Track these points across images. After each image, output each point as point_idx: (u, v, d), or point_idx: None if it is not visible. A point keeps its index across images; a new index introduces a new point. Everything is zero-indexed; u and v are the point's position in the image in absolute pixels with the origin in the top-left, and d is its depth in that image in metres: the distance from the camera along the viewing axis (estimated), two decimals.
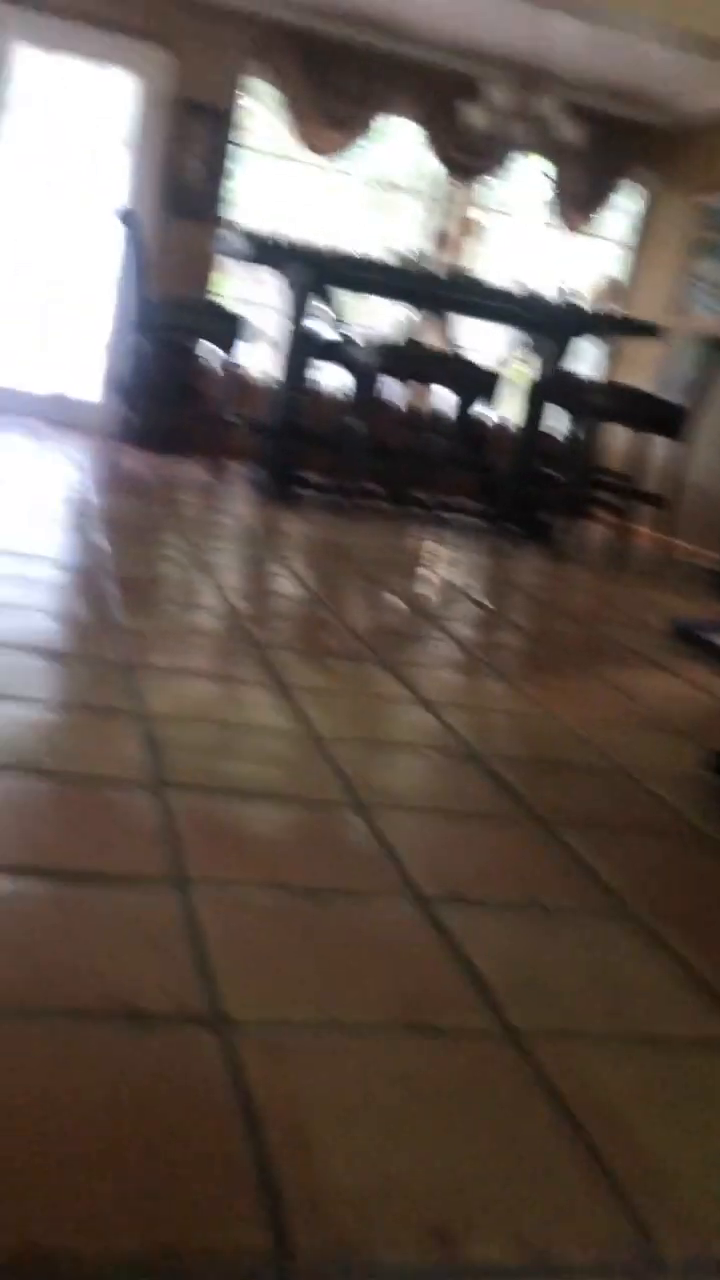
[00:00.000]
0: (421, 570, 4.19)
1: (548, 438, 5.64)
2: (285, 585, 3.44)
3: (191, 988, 1.11)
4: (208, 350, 6.49)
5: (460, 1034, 1.13)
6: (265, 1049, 1.04)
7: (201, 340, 5.84)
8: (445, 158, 6.76)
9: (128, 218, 5.10)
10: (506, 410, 6.02)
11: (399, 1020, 1.14)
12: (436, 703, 2.31)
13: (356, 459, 5.05)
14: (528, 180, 7.00)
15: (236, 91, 6.44)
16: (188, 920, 1.24)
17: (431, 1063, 1.08)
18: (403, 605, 3.43)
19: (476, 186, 7.00)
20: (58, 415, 6.66)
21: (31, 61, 6.27)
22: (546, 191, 6.98)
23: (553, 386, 5.46)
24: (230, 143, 6.51)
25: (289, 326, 5.30)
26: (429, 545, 4.73)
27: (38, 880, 1.28)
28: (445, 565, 4.40)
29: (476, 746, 2.07)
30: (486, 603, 3.81)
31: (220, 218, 6.59)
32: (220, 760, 1.80)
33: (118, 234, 5.48)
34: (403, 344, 5.36)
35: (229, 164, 6.54)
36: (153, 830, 1.46)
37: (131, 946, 1.17)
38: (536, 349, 5.62)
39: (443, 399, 5.64)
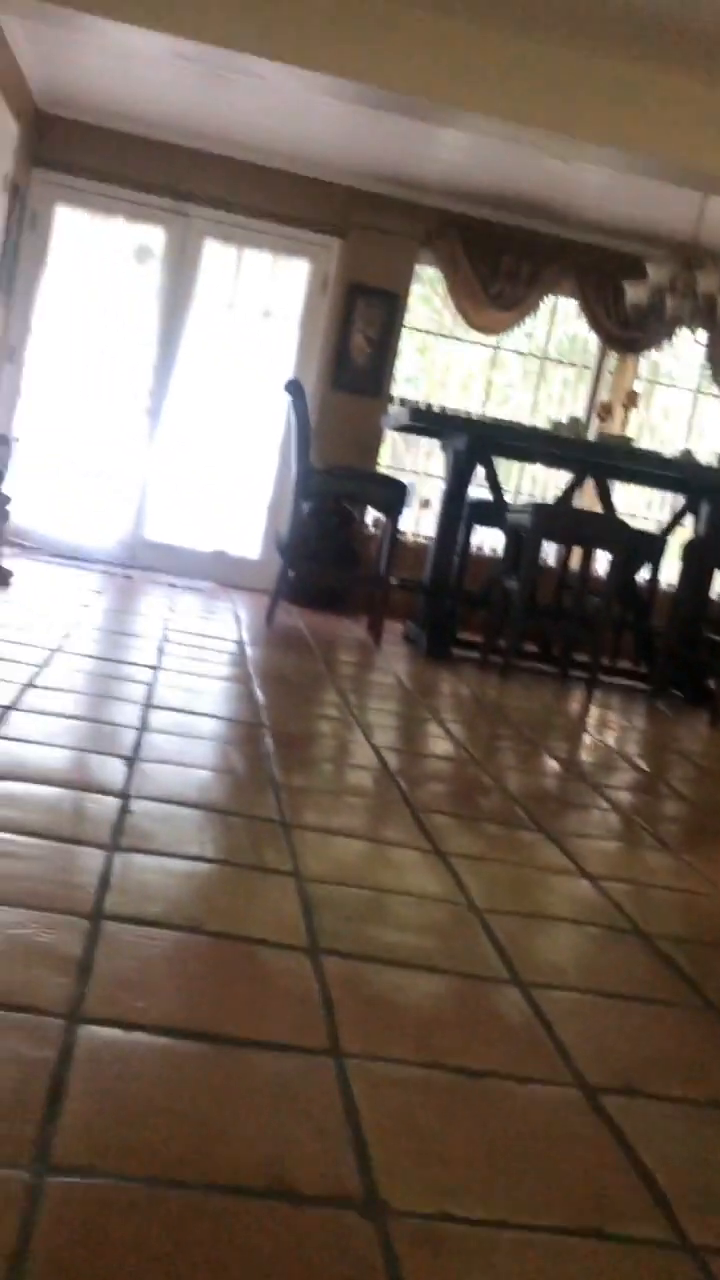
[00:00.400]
0: (580, 733, 4.12)
1: (713, 603, 5.57)
2: (441, 745, 3.42)
3: (347, 1168, 1.07)
4: (371, 514, 6.70)
5: (633, 1244, 1.04)
6: (423, 1242, 0.98)
7: (365, 505, 6.03)
8: (606, 334, 6.95)
9: (292, 388, 5.38)
10: (668, 574, 5.98)
11: (567, 1223, 1.06)
12: (597, 874, 2.23)
13: (514, 620, 5.07)
14: (687, 349, 7.11)
15: (403, 276, 6.80)
16: (342, 1094, 1.20)
17: (600, 1272, 0.99)
18: (561, 769, 3.36)
19: (636, 357, 7.15)
20: (219, 572, 6.93)
21: (218, 254, 6.78)
22: (705, 360, 7.08)
23: (711, 548, 5.41)
24: (396, 323, 6.84)
25: (449, 492, 5.44)
26: (588, 708, 4.66)
27: (193, 1042, 1.26)
28: (605, 729, 4.31)
29: (641, 923, 1.97)
30: (647, 769, 3.70)
31: (385, 392, 6.88)
32: (374, 926, 1.77)
33: (283, 405, 5.78)
34: (559, 507, 5.42)
35: (394, 342, 6.86)
36: (307, 997, 1.43)
37: (286, 1119, 1.14)
38: (694, 512, 5.61)
39: (602, 561, 5.65)
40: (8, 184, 5.81)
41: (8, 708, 2.71)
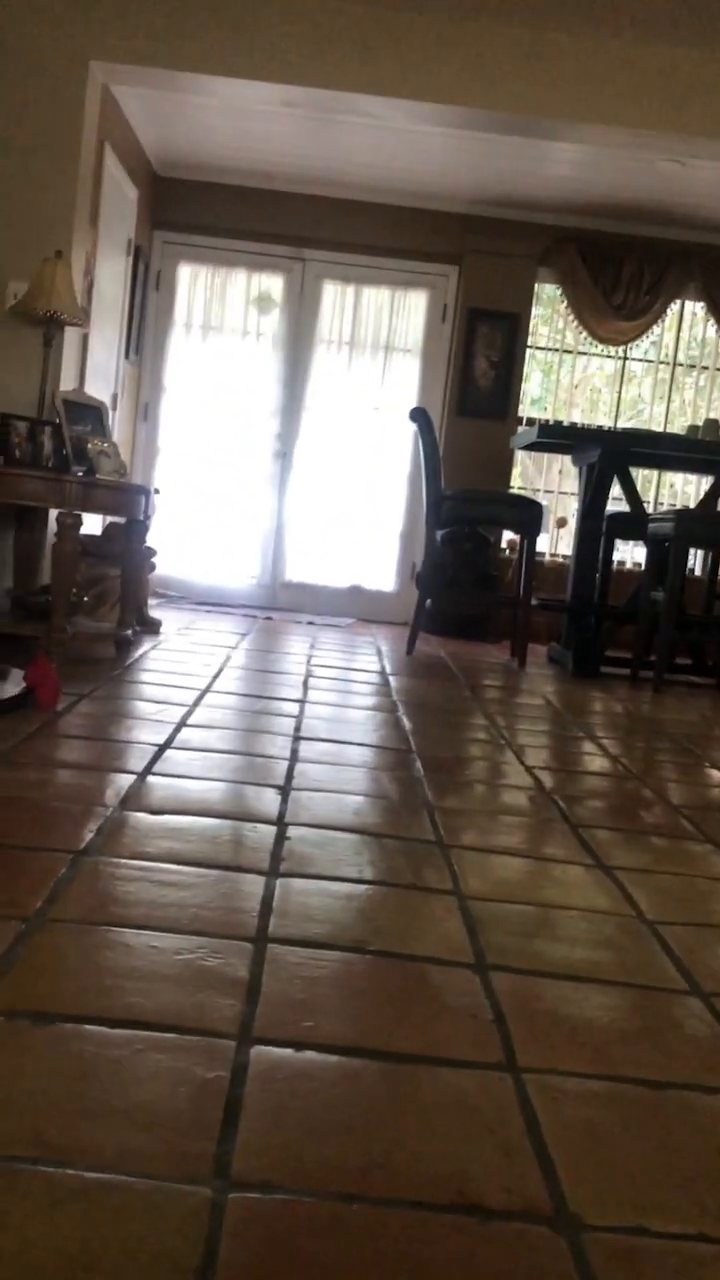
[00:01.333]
0: None
1: None
2: (597, 762, 3.34)
3: (534, 1182, 1.03)
4: (505, 537, 6.65)
5: None
6: (619, 1256, 0.93)
7: (499, 528, 5.99)
8: None
9: (418, 417, 5.39)
10: None
11: None
12: None
13: (663, 633, 4.93)
14: None
15: (523, 296, 6.78)
16: (522, 1109, 1.16)
17: None
18: None
19: None
20: (357, 607, 6.97)
21: (336, 294, 6.89)
22: None
23: None
24: (519, 344, 6.81)
25: (586, 508, 5.35)
26: None
27: (366, 1060, 1.24)
28: None
29: None
30: None
31: (511, 414, 6.85)
32: (542, 941, 1.72)
33: (409, 435, 5.80)
34: (704, 513, 5.26)
35: (518, 363, 6.83)
36: (479, 1013, 1.40)
37: (466, 1134, 1.10)
38: None
39: None
40: (130, 248, 6.03)
41: (165, 746, 2.76)
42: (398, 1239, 0.93)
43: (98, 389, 5.34)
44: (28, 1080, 1.12)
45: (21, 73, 4.43)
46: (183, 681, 3.78)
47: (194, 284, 6.88)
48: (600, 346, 6.93)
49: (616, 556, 5.83)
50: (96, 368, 5.39)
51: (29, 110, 4.43)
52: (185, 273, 6.86)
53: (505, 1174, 1.04)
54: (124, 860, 1.85)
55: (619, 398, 7.17)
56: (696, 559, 6.81)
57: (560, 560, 6.92)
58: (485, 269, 6.73)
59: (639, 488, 5.66)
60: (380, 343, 6.90)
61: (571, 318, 6.82)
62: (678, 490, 7.23)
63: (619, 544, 5.74)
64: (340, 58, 4.44)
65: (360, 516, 7.00)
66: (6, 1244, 0.87)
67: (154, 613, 5.44)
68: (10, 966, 1.38)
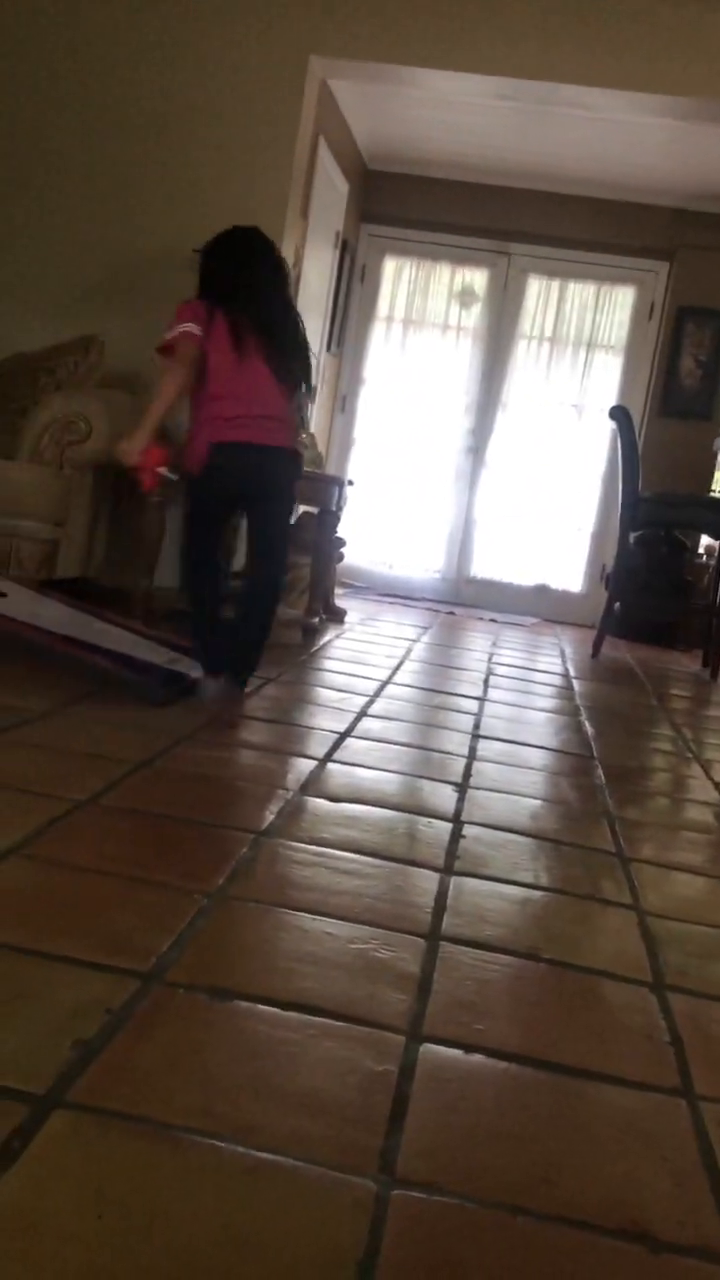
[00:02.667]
0: None
1: None
2: None
3: (708, 1216, 0.99)
4: (704, 542, 6.43)
5: None
6: None
7: (698, 532, 5.80)
8: None
9: (618, 415, 5.26)
10: None
11: None
12: None
13: None
14: None
15: None
16: (698, 1138, 1.12)
17: None
18: None
19: None
20: (542, 606, 6.88)
21: (540, 289, 6.80)
22: None
23: None
24: None
25: None
26: None
27: (535, 1069, 1.22)
28: None
29: None
30: None
31: (716, 415, 6.61)
32: None
33: (605, 435, 5.67)
34: None
35: None
36: (654, 1034, 1.35)
37: (636, 1158, 1.07)
38: None
39: None
40: (338, 241, 6.11)
41: (345, 734, 2.79)
42: (564, 1259, 0.91)
43: None
44: (203, 1054, 1.15)
45: (241, 68, 4.54)
46: (364, 671, 3.81)
47: (397, 277, 6.92)
48: None
49: None
50: None
51: (247, 104, 4.54)
52: (389, 266, 6.90)
53: (678, 1205, 1.00)
54: (302, 844, 1.87)
55: None
56: None
57: None
58: (698, 265, 6.51)
59: None
60: (583, 339, 6.78)
61: None
62: None
63: None
64: (561, 50, 4.37)
65: (550, 515, 6.90)
66: (170, 1214, 0.89)
67: (339, 602, 5.51)
68: (191, 940, 1.42)
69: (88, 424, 3.90)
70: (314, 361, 2.87)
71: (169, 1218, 0.88)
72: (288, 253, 4.71)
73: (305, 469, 4.08)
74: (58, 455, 3.86)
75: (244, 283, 2.67)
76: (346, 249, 6.41)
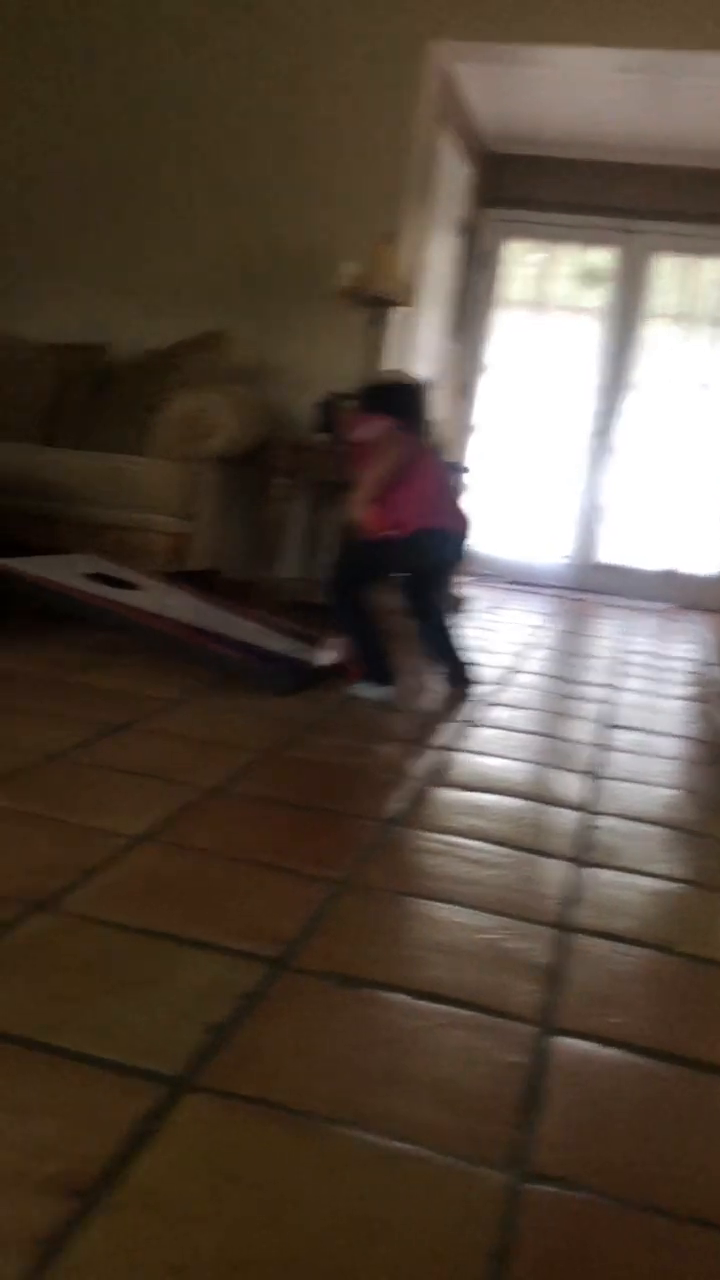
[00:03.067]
0: None
1: None
2: None
3: None
4: None
5: None
6: None
7: None
8: None
9: None
10: None
11: None
12: None
13: None
14: None
15: None
16: None
17: None
18: None
19: None
20: (671, 591, 6.71)
21: (669, 267, 6.63)
22: None
23: None
24: None
25: None
26: None
27: (672, 1065, 1.19)
28: None
29: None
30: None
31: None
32: None
33: None
34: None
35: None
36: None
37: None
38: None
39: None
40: (460, 227, 6.06)
41: (471, 723, 2.77)
42: (699, 1259, 0.88)
43: (422, 368, 5.42)
44: (334, 1041, 1.15)
45: (357, 56, 4.53)
46: (489, 659, 3.78)
47: (521, 261, 6.82)
48: None
49: None
50: (421, 347, 5.47)
51: (364, 93, 4.53)
52: (513, 250, 6.81)
53: None
54: (429, 833, 1.86)
55: None
56: None
57: None
58: None
59: None
60: (714, 316, 6.57)
61: None
62: None
63: None
64: (684, 14, 4.24)
65: (681, 498, 6.72)
66: (300, 1200, 0.89)
67: (462, 590, 5.47)
68: (320, 926, 1.42)
69: (214, 419, 3.96)
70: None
71: (299, 1203, 0.89)
72: (409, 241, 4.69)
73: None
74: (185, 450, 3.92)
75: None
76: (469, 235, 6.36)
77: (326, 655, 3.06)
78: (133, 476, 3.85)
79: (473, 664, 3.27)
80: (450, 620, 3.36)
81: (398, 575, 3.22)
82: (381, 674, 2.99)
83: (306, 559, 4.72)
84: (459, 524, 3.17)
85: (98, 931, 1.32)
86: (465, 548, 3.23)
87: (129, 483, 3.84)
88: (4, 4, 4.80)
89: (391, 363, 4.74)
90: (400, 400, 3.18)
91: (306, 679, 2.91)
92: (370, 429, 3.05)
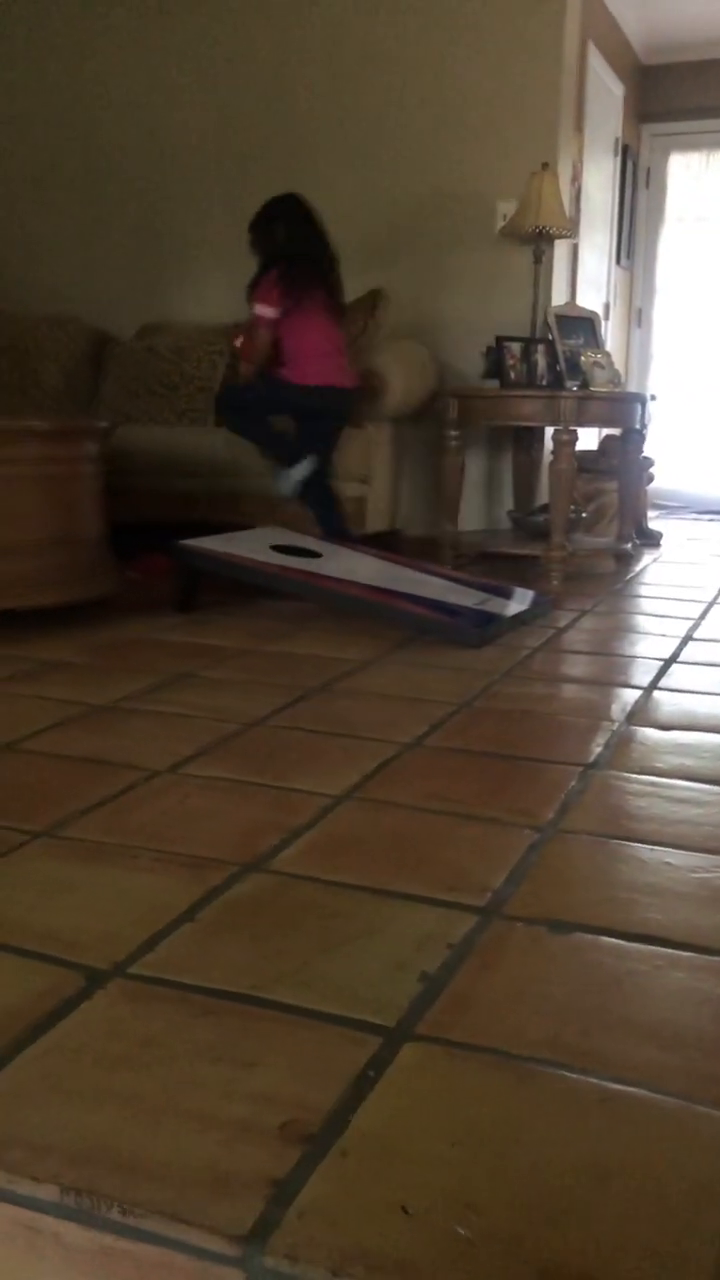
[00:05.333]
0: None
1: None
2: None
3: None
4: None
5: None
6: None
7: None
8: None
9: None
10: None
11: None
12: None
13: None
14: None
15: None
16: None
17: None
18: None
19: None
20: None
21: None
22: None
23: None
24: None
25: None
26: None
27: None
28: None
29: None
30: None
31: None
32: None
33: None
34: None
35: None
36: None
37: None
38: None
39: None
40: (617, 148, 5.82)
41: (670, 661, 2.69)
42: None
43: (589, 299, 5.25)
44: (548, 986, 1.14)
45: None
46: (686, 594, 3.65)
47: (685, 175, 6.50)
48: None
49: None
50: (587, 278, 5.30)
51: (505, 21, 4.38)
52: (676, 164, 6.49)
53: None
54: (633, 775, 1.82)
55: None
56: None
57: None
58: None
59: None
60: None
61: None
62: None
63: None
64: None
65: None
66: (526, 1143, 0.89)
67: (653, 525, 5.30)
68: (526, 874, 1.41)
69: (382, 380, 3.95)
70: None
71: (525, 1146, 0.89)
72: (564, 169, 4.54)
73: (603, 390, 3.94)
74: (357, 413, 3.94)
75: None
76: (627, 154, 6.10)
77: (515, 605, 3.03)
78: None
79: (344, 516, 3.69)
80: (331, 475, 3.72)
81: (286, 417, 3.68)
82: (292, 454, 3.56)
83: (487, 509, 4.68)
84: (348, 381, 3.65)
85: (308, 889, 1.35)
86: (352, 406, 3.71)
87: None
88: None
89: (559, 296, 4.61)
90: (284, 230, 3.64)
91: (496, 630, 2.89)
92: (261, 308, 3.60)
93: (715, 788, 1.76)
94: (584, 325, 4.31)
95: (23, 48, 5.06)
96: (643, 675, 2.53)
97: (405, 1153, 0.88)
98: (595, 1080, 0.98)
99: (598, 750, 1.96)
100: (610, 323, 5.79)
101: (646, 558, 4.58)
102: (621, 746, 1.98)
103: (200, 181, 4.90)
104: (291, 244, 3.66)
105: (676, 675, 2.53)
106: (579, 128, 4.82)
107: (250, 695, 2.29)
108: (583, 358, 4.05)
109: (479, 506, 4.66)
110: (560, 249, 4.56)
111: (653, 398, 4.82)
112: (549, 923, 1.27)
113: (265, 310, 3.62)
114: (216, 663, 2.60)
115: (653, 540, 5.04)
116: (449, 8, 4.46)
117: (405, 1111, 0.93)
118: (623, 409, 4.13)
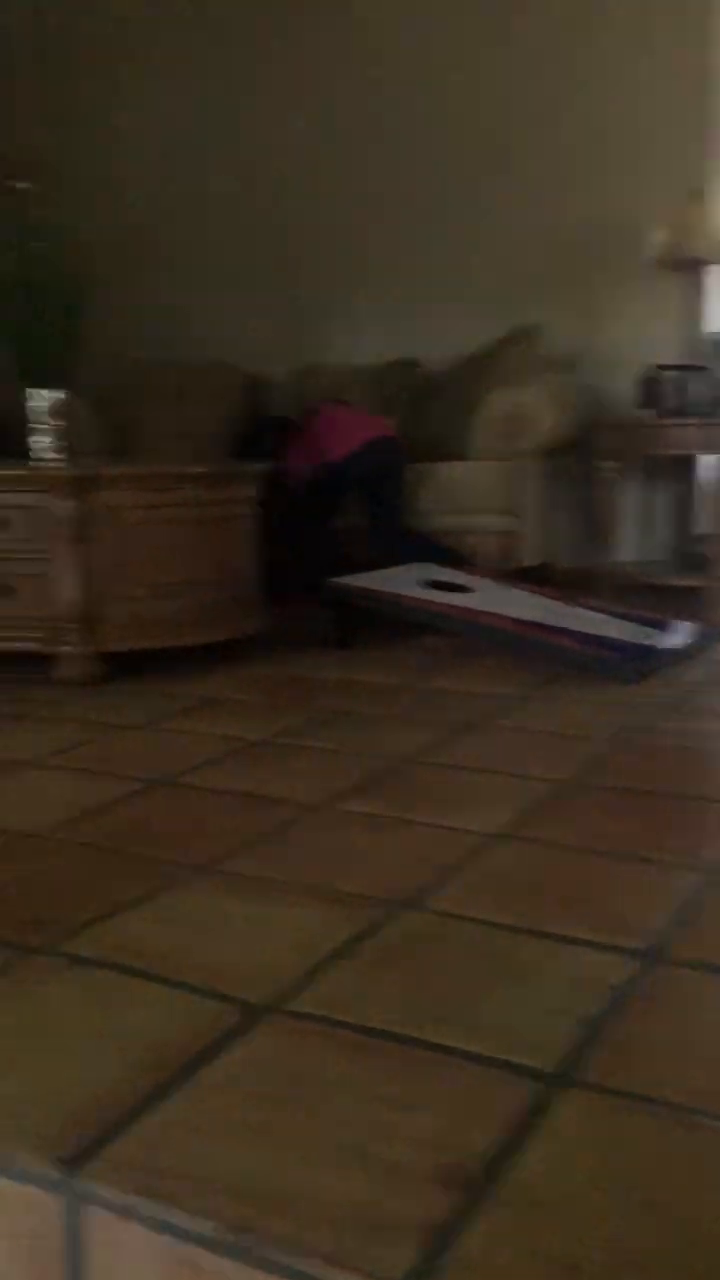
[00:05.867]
0: None
1: None
2: None
3: None
4: None
5: None
6: None
7: None
8: None
9: None
10: None
11: None
12: None
13: None
14: None
15: None
16: None
17: None
18: None
19: None
20: None
21: None
22: None
23: None
24: None
25: None
26: None
27: None
28: None
29: None
30: None
31: None
32: None
33: None
34: None
35: None
36: None
37: None
38: None
39: None
40: None
41: None
42: None
43: None
44: (711, 1032, 1.10)
45: (640, 5, 4.36)
46: None
47: None
48: None
49: None
50: None
51: (650, 45, 4.34)
52: None
53: None
54: None
55: None
56: None
57: None
58: None
59: None
60: None
61: None
62: None
63: None
64: None
65: None
66: (684, 1196, 0.86)
67: None
68: (689, 917, 1.36)
69: (532, 413, 3.93)
70: None
71: (687, 1199, 0.85)
72: (717, 192, 4.45)
73: None
74: (506, 448, 3.93)
75: None
76: None
77: (675, 638, 2.96)
78: (456, 480, 3.91)
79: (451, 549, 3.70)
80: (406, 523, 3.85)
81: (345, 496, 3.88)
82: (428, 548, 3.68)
83: (643, 540, 4.58)
84: (386, 430, 3.91)
85: (464, 928, 1.34)
86: (400, 451, 3.90)
87: (453, 487, 3.90)
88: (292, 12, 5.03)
89: (715, 323, 4.51)
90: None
91: (654, 664, 2.82)
92: (295, 467, 3.89)
93: None
94: None
95: (180, 99, 5.28)
96: None
97: (566, 1204, 0.85)
98: None
99: None
100: None
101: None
102: None
103: (354, 221, 5.00)
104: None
105: None
106: None
107: (404, 731, 2.29)
108: None
109: (633, 537, 4.57)
110: (716, 273, 4.47)
111: None
112: (714, 968, 1.23)
113: (300, 467, 3.88)
114: (370, 698, 2.61)
115: None
116: (597, 34, 4.45)
117: (566, 1160, 0.90)
118: None
